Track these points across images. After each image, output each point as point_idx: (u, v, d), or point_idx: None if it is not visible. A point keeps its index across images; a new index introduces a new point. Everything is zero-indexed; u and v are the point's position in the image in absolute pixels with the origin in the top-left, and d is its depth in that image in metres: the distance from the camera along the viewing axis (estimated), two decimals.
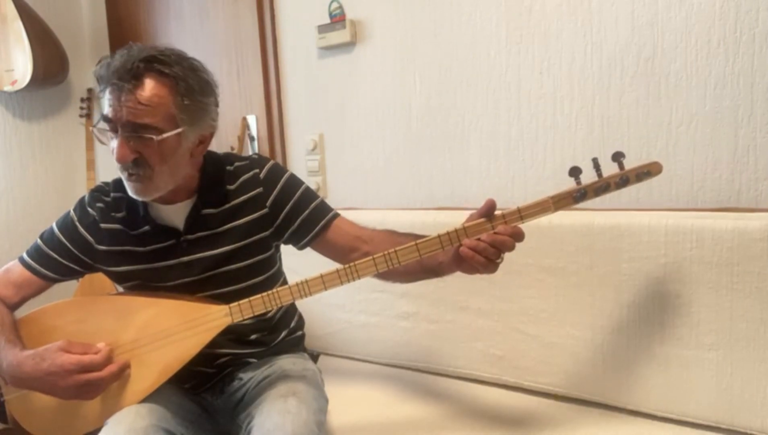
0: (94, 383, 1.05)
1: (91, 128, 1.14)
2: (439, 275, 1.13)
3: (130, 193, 1.13)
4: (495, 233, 1.00)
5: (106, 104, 1.07)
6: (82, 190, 2.48)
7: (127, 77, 1.04)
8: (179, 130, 1.09)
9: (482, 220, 1.02)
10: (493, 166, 1.57)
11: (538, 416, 1.31)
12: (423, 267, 1.11)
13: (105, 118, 1.08)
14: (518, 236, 1.00)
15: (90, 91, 2.50)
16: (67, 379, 1.03)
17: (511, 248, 1.01)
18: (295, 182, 1.26)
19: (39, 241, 1.24)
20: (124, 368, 1.09)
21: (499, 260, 1.02)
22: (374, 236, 1.21)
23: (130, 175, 1.10)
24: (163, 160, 1.09)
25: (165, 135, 1.07)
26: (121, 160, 1.07)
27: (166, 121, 1.08)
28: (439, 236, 1.02)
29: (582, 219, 1.32)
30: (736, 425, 1.17)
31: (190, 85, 1.09)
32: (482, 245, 1.00)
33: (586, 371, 1.33)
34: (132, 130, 1.06)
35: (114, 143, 1.08)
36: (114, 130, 1.07)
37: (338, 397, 1.30)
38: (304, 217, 1.23)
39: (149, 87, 1.05)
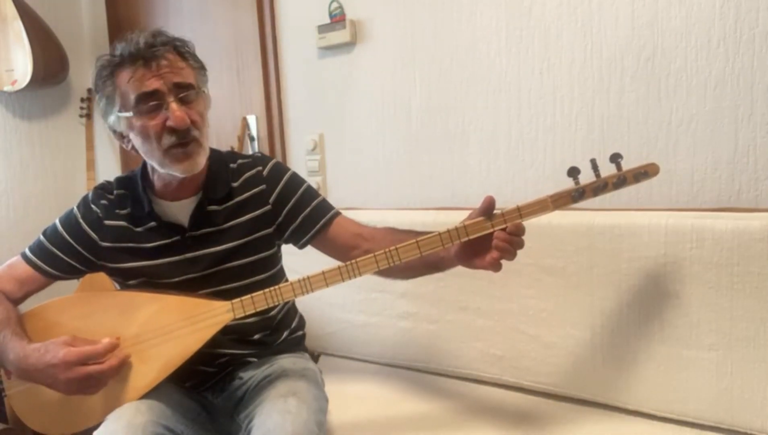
0: (95, 376, 1.04)
1: (127, 115, 1.13)
2: (440, 270, 1.15)
3: (180, 170, 1.13)
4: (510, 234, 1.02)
5: (136, 86, 1.09)
6: (82, 190, 2.48)
7: (152, 50, 1.09)
8: (204, 89, 1.17)
9: (482, 218, 1.03)
10: (493, 166, 1.57)
11: (538, 416, 1.31)
12: (424, 262, 1.12)
13: (145, 95, 1.09)
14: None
15: (90, 91, 2.50)
16: (68, 371, 1.03)
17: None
18: (297, 180, 1.28)
19: (42, 237, 1.24)
20: (124, 362, 1.09)
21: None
22: (375, 234, 1.22)
23: (186, 142, 1.11)
24: (203, 119, 1.15)
25: (204, 89, 1.16)
26: (183, 123, 1.09)
27: (196, 81, 1.15)
28: (439, 234, 1.04)
29: (582, 219, 1.32)
30: (736, 425, 1.17)
31: (192, 53, 1.17)
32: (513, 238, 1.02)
33: (586, 371, 1.33)
34: (183, 90, 1.11)
35: (166, 113, 1.09)
36: (160, 99, 1.09)
37: (338, 397, 1.30)
38: (305, 214, 1.24)
39: (171, 55, 1.12)
